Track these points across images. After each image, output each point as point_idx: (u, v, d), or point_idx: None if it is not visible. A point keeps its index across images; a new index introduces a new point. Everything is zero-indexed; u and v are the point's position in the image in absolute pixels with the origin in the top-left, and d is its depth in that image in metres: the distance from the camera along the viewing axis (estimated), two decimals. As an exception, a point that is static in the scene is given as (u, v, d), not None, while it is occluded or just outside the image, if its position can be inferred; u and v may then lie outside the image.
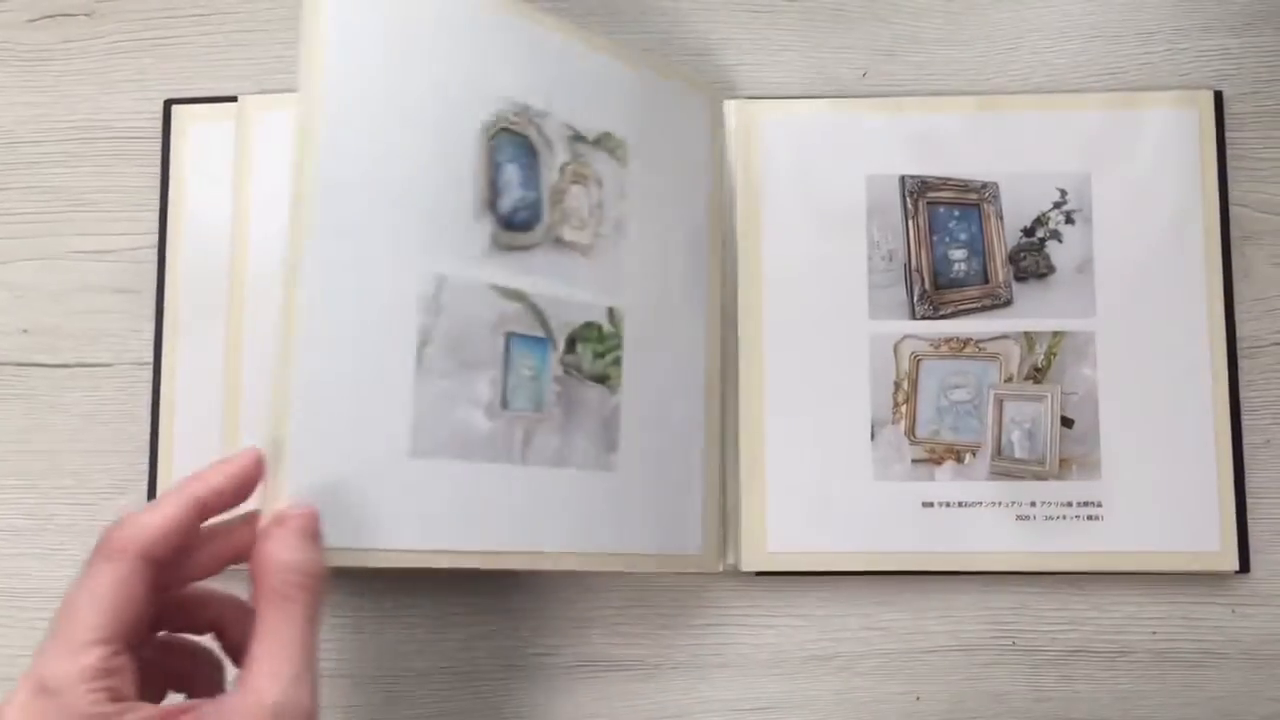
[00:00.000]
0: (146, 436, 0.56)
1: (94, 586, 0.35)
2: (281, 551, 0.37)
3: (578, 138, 0.50)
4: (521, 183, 0.48)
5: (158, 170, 0.57)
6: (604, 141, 0.50)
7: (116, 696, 0.34)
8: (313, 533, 0.38)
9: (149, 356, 0.56)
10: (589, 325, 0.49)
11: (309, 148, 0.43)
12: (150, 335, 0.56)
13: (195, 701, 0.36)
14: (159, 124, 0.58)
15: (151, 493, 0.55)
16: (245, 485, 0.39)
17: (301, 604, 0.36)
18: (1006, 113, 0.56)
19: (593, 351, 0.49)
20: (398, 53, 0.45)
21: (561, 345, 0.48)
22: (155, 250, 0.57)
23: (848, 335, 0.55)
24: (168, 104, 0.58)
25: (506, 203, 0.47)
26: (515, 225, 0.48)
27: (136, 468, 0.56)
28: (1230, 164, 0.56)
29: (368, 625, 0.55)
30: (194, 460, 0.53)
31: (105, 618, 0.35)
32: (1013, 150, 0.56)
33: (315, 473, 0.41)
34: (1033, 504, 0.53)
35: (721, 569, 0.52)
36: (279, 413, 0.41)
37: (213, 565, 0.39)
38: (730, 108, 0.56)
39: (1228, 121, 0.56)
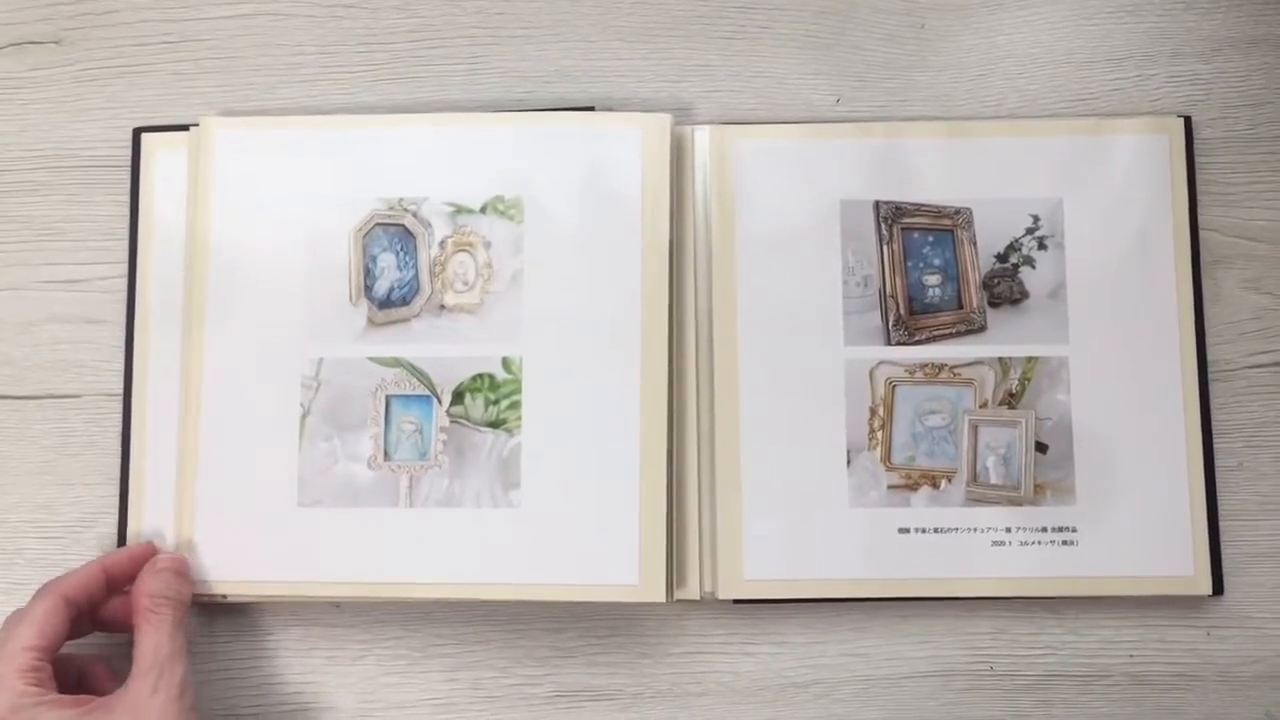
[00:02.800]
0: (116, 469, 0.55)
1: (29, 614, 0.48)
2: (149, 582, 0.50)
3: (461, 210, 0.55)
4: (397, 266, 0.55)
5: (127, 199, 0.57)
6: (493, 206, 0.55)
7: (41, 686, 0.47)
8: (178, 570, 0.52)
9: (119, 387, 0.56)
10: (478, 377, 0.54)
11: (199, 262, 0.55)
12: (120, 366, 0.56)
13: (91, 697, 0.48)
14: (128, 152, 0.57)
15: (122, 525, 0.54)
16: (138, 563, 0.52)
17: (164, 617, 0.49)
18: (979, 139, 0.56)
19: (484, 400, 0.54)
20: (274, 177, 0.55)
21: (447, 399, 0.54)
22: (125, 280, 0.56)
23: (823, 361, 0.55)
24: (137, 132, 0.57)
25: (382, 286, 0.55)
26: (392, 303, 0.55)
27: (106, 500, 0.55)
28: (1200, 188, 0.56)
29: (345, 658, 0.54)
30: (165, 492, 0.53)
31: (34, 635, 0.48)
32: (985, 176, 0.56)
33: (217, 523, 0.53)
34: (1008, 529, 0.54)
35: (666, 600, 0.52)
36: (186, 475, 0.53)
37: (107, 620, 0.52)
38: (704, 134, 0.56)
39: (1197, 146, 0.56)
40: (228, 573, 0.53)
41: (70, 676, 0.50)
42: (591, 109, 0.57)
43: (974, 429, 0.54)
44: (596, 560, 0.52)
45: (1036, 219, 0.55)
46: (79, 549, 0.55)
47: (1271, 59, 0.58)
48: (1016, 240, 0.56)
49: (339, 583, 0.53)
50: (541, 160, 0.55)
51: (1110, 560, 0.53)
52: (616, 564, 0.52)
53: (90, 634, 0.52)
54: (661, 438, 0.53)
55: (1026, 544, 0.53)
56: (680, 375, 0.55)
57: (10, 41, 0.59)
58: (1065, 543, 0.53)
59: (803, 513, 0.54)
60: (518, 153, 0.55)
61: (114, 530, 0.55)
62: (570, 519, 0.53)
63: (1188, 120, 0.56)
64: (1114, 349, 0.54)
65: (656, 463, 0.53)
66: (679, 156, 0.56)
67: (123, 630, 0.51)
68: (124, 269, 0.56)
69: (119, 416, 0.55)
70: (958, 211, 0.56)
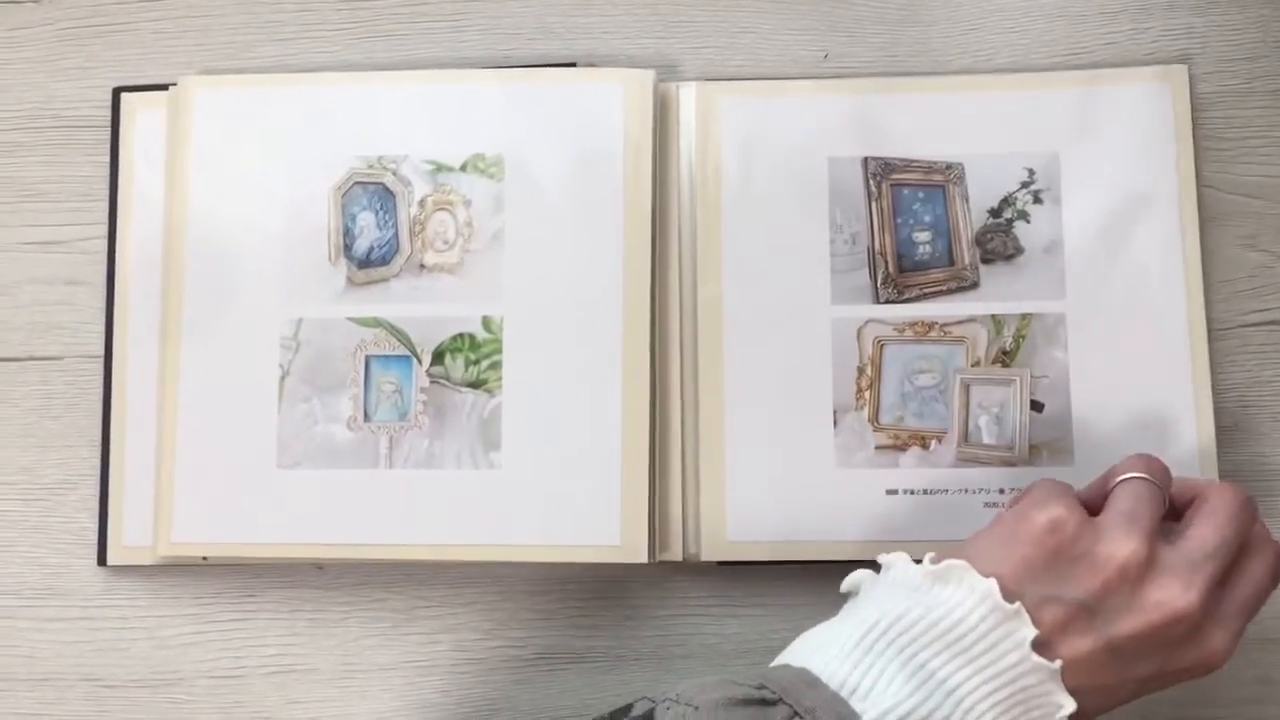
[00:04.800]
0: (98, 430, 0.55)
1: None
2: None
3: (441, 168, 0.54)
4: (377, 225, 0.54)
5: (107, 159, 0.56)
6: (473, 164, 0.54)
7: None
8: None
9: (100, 349, 0.55)
10: (459, 337, 0.53)
11: (178, 222, 0.54)
12: (101, 327, 0.55)
13: None
14: (108, 112, 0.57)
15: (104, 487, 0.54)
16: None
17: None
18: (970, 93, 0.55)
19: (465, 360, 0.53)
20: (253, 136, 0.55)
21: (428, 359, 0.53)
22: (105, 241, 0.56)
23: (810, 320, 0.54)
24: (116, 91, 0.57)
25: (361, 246, 0.54)
26: (372, 263, 0.54)
27: (88, 462, 0.55)
28: (1196, 144, 0.55)
29: (328, 620, 0.54)
30: (146, 454, 0.53)
31: None
32: (978, 131, 0.55)
33: (198, 485, 0.53)
34: (1001, 491, 0.52)
35: (649, 561, 0.51)
36: (166, 437, 0.53)
37: None
38: (689, 90, 0.55)
39: (1193, 101, 0.55)
40: (209, 535, 0.53)
41: None
42: (574, 65, 0.56)
43: (965, 388, 0.53)
44: (578, 521, 0.52)
45: (1032, 173, 0.54)
46: (61, 511, 0.55)
47: (1268, 11, 0.56)
48: (1011, 195, 0.54)
49: (319, 545, 0.52)
50: (523, 118, 0.54)
51: (1103, 521, 0.52)
52: (598, 525, 0.52)
53: None
54: (644, 397, 0.52)
55: (1018, 505, 0.52)
56: (664, 334, 0.54)
57: (-11, 2, 0.58)
58: (1057, 503, 0.52)
59: (788, 474, 0.53)
60: (498, 110, 0.54)
61: (95, 492, 0.54)
62: (552, 480, 0.52)
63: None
64: (1112, 305, 0.53)
65: (639, 423, 0.52)
66: (663, 113, 0.55)
67: None
68: (104, 230, 0.56)
69: (100, 378, 0.55)
70: (949, 167, 0.55)
